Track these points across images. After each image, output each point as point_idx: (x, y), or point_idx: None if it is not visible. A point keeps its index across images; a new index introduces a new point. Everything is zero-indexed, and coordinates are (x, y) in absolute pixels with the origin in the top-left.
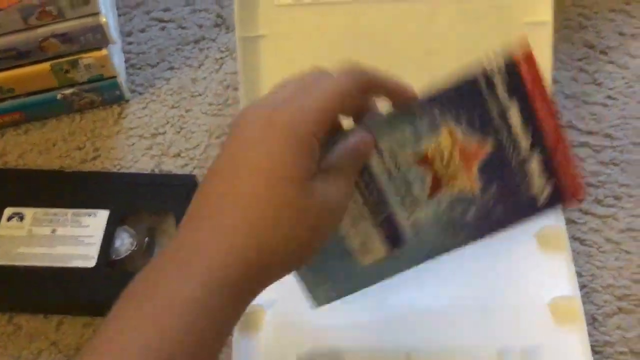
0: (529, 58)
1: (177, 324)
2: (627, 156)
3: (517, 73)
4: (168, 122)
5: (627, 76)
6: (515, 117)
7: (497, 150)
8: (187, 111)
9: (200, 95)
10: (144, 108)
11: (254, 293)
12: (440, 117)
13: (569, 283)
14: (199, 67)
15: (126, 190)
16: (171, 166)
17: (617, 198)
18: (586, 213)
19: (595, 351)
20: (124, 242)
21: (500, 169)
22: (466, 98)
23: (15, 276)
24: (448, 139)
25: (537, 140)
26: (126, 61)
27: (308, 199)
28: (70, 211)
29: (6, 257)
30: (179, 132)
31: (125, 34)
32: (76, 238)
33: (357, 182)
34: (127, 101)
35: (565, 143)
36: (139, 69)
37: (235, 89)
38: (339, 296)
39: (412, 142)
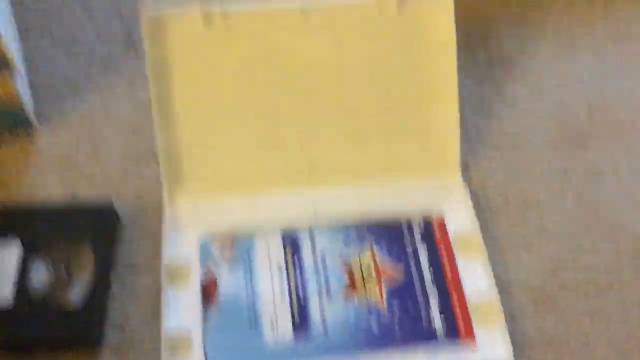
0: (442, 224)
1: None
2: (534, 162)
3: (430, 228)
4: (80, 149)
5: (531, 85)
6: (424, 256)
7: (406, 278)
8: (99, 137)
9: (112, 119)
10: (54, 136)
11: None
12: (368, 238)
13: (488, 285)
14: (110, 91)
15: (37, 220)
16: (86, 194)
17: (525, 202)
18: (499, 218)
19: (515, 346)
20: (41, 276)
21: (406, 296)
22: (391, 232)
23: None
24: (370, 256)
25: (440, 282)
26: (32, 88)
27: None
28: None
29: None
30: (92, 158)
31: (30, 60)
32: None
33: (287, 264)
34: (36, 129)
35: (462, 290)
36: (46, 95)
37: (149, 111)
38: None
39: (342, 249)
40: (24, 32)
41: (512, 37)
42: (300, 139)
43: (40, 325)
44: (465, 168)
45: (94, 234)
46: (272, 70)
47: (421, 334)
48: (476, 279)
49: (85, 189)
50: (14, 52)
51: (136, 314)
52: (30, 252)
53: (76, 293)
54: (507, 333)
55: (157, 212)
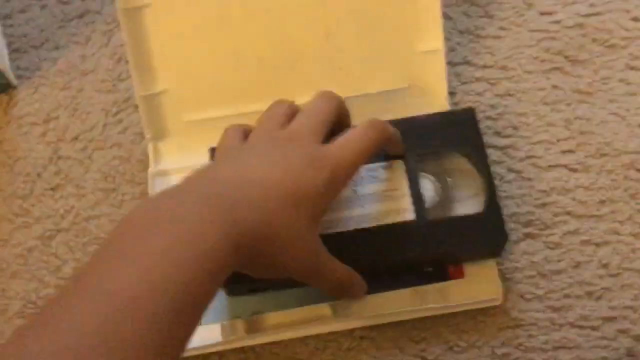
0: None
1: (162, 273)
2: (522, 85)
3: None
4: (61, 105)
5: (518, 5)
6: None
7: None
8: (79, 91)
9: (91, 72)
10: (33, 93)
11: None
12: None
13: None
14: (87, 43)
15: (409, 136)
16: (70, 151)
17: (515, 128)
18: (487, 146)
19: (505, 278)
20: (429, 190)
21: None
22: None
23: (339, 242)
24: None
25: None
26: (8, 45)
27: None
28: (362, 168)
29: (324, 227)
30: (73, 114)
31: (4, 17)
32: (382, 193)
33: None
34: (15, 88)
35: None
36: (24, 52)
37: (127, 61)
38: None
39: None
40: None
41: None
42: (285, 81)
43: (449, 237)
44: (453, 94)
45: (463, 141)
46: (252, 17)
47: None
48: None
49: (68, 146)
50: None
51: None
52: (413, 167)
53: (465, 201)
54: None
55: (142, 164)
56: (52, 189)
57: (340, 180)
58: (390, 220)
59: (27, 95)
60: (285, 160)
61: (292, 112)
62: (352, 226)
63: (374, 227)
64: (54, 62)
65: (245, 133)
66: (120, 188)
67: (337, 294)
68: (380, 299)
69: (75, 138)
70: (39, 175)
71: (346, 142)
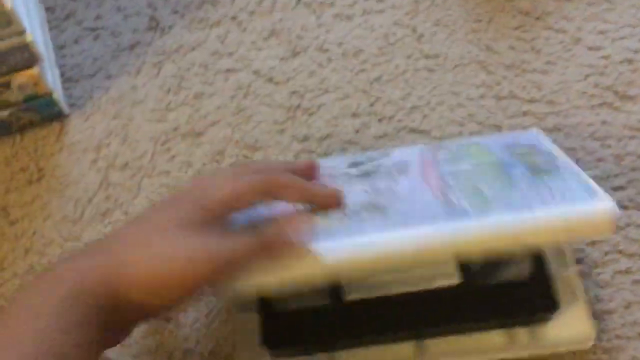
0: None
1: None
2: (570, 120)
3: None
4: (111, 133)
5: (565, 40)
6: None
7: None
8: (129, 120)
9: (141, 102)
10: (85, 121)
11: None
12: None
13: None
14: (137, 74)
15: None
16: (119, 178)
17: None
18: None
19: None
20: None
21: None
22: None
23: (384, 305)
24: None
25: None
26: (62, 75)
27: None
28: None
29: (368, 289)
30: (123, 142)
31: (59, 47)
32: None
33: None
34: (67, 116)
35: None
36: (76, 81)
37: (177, 92)
38: None
39: None
40: (52, 21)
41: None
42: None
43: (495, 304)
44: (499, 127)
45: None
46: None
47: None
48: None
49: (118, 173)
50: (42, 44)
51: None
52: None
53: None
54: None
55: None
56: (101, 214)
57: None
58: (435, 284)
59: (79, 123)
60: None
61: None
62: (395, 290)
63: (418, 291)
64: (105, 91)
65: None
66: None
67: (271, 254)
68: (469, 340)
69: (125, 165)
70: (89, 201)
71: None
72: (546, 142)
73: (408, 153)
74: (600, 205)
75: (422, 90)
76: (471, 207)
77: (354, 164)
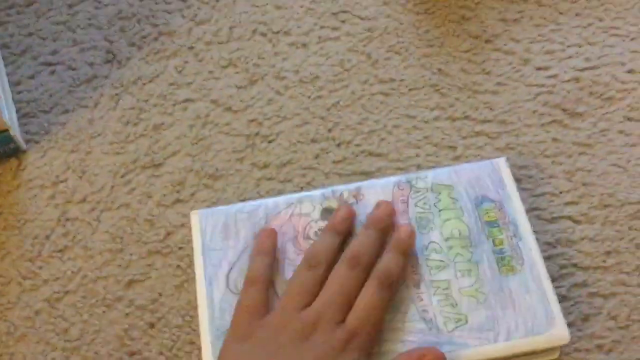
0: None
1: None
2: (522, 139)
3: None
4: (69, 168)
5: (514, 61)
6: None
7: None
8: (87, 153)
9: (99, 135)
10: (42, 157)
11: None
12: None
13: None
14: (95, 107)
15: None
16: (78, 212)
17: (517, 180)
18: None
19: None
20: None
21: None
22: None
23: None
24: None
25: None
26: (18, 111)
27: None
28: None
29: None
30: (81, 176)
31: (14, 84)
32: None
33: None
34: (24, 152)
35: None
36: (33, 116)
37: (135, 124)
38: None
39: None
40: (7, 57)
41: (493, 17)
42: None
43: None
44: (454, 148)
45: None
46: None
47: None
48: None
49: (76, 208)
50: None
51: None
52: None
53: None
54: None
55: (149, 223)
56: (59, 250)
57: (368, 350)
58: None
59: (35, 159)
60: None
61: (321, 280)
62: None
63: None
64: (62, 126)
65: (267, 301)
66: (127, 248)
67: None
68: None
69: (84, 200)
70: (47, 237)
71: (364, 312)
72: (508, 180)
73: (381, 198)
74: (556, 335)
75: (379, 115)
76: (444, 326)
77: (327, 212)
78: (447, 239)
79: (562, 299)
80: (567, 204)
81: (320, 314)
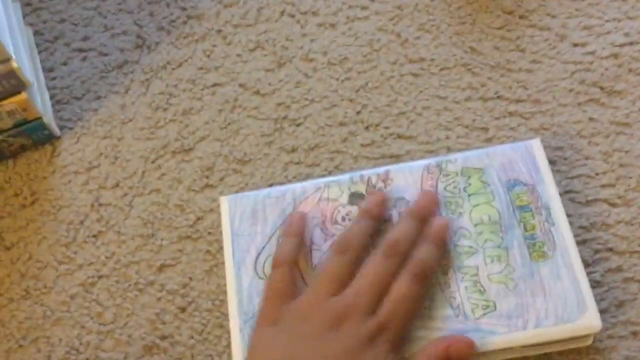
0: None
1: None
2: (557, 118)
3: None
4: (102, 154)
5: (550, 37)
6: None
7: None
8: (119, 139)
9: (130, 121)
10: (76, 143)
11: None
12: None
13: None
14: (126, 93)
15: None
16: (111, 198)
17: (552, 162)
18: None
19: None
20: None
21: None
22: None
23: None
24: None
25: None
26: (51, 97)
27: None
28: None
29: None
30: (114, 162)
31: (47, 70)
32: None
33: None
34: (59, 138)
35: None
36: (66, 103)
37: (165, 109)
38: None
39: None
40: (41, 44)
41: None
42: None
43: None
44: (485, 129)
45: None
46: None
47: None
48: None
49: (109, 193)
50: (31, 69)
51: None
52: None
53: None
54: None
55: (179, 208)
56: (94, 236)
57: (398, 343)
58: None
59: (69, 145)
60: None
61: (353, 269)
62: None
63: None
64: (94, 112)
65: (295, 284)
66: (158, 233)
67: None
68: None
69: (116, 185)
70: (81, 222)
71: (395, 305)
72: (542, 163)
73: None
74: (587, 323)
75: (408, 96)
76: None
77: (355, 197)
78: (476, 225)
79: (596, 284)
80: (603, 186)
81: (351, 304)
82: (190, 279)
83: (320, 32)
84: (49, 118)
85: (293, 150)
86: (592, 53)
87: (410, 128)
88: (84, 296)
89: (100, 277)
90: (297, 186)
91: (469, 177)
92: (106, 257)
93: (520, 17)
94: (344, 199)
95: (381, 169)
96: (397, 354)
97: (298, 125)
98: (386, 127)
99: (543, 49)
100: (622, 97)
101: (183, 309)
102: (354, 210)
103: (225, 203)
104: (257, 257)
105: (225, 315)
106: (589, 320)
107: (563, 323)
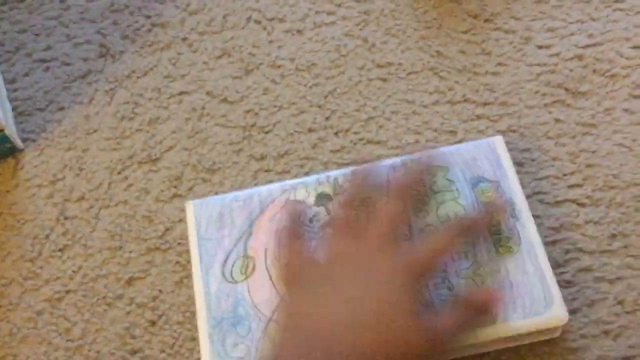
0: None
1: None
2: (524, 120)
3: None
4: (66, 166)
5: (515, 40)
6: None
7: None
8: (84, 151)
9: (95, 131)
10: (39, 155)
11: None
12: None
13: None
14: (90, 103)
15: None
16: (76, 210)
17: (519, 164)
18: None
19: None
20: None
21: None
22: None
23: None
24: None
25: None
26: (13, 109)
27: None
28: None
29: None
30: (79, 174)
31: (9, 81)
32: None
33: None
34: (21, 151)
35: None
36: (28, 115)
37: (131, 119)
38: None
39: None
40: (1, 55)
41: None
42: None
43: None
44: (454, 132)
45: None
46: None
47: None
48: None
49: (75, 206)
50: None
51: None
52: None
53: None
54: None
55: (147, 219)
56: (60, 250)
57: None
58: None
59: (33, 158)
60: (371, 290)
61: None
62: None
63: None
64: (58, 123)
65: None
66: (126, 246)
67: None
68: None
69: (82, 198)
70: (46, 236)
71: (428, 246)
72: (505, 159)
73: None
74: (554, 315)
75: (377, 101)
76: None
77: (322, 198)
78: (442, 222)
79: (567, 284)
80: (571, 186)
81: (377, 225)
82: (160, 291)
83: (287, 39)
84: (11, 130)
85: (262, 157)
86: (556, 55)
87: (379, 133)
88: (50, 312)
89: (67, 292)
90: (264, 189)
91: (435, 175)
92: (73, 272)
93: (486, 20)
94: (311, 200)
95: (348, 170)
96: None
97: (267, 132)
98: (355, 133)
99: (508, 52)
100: (587, 98)
101: (153, 323)
102: (321, 211)
103: (190, 207)
104: (225, 261)
105: (197, 328)
106: (556, 313)
107: (531, 316)
